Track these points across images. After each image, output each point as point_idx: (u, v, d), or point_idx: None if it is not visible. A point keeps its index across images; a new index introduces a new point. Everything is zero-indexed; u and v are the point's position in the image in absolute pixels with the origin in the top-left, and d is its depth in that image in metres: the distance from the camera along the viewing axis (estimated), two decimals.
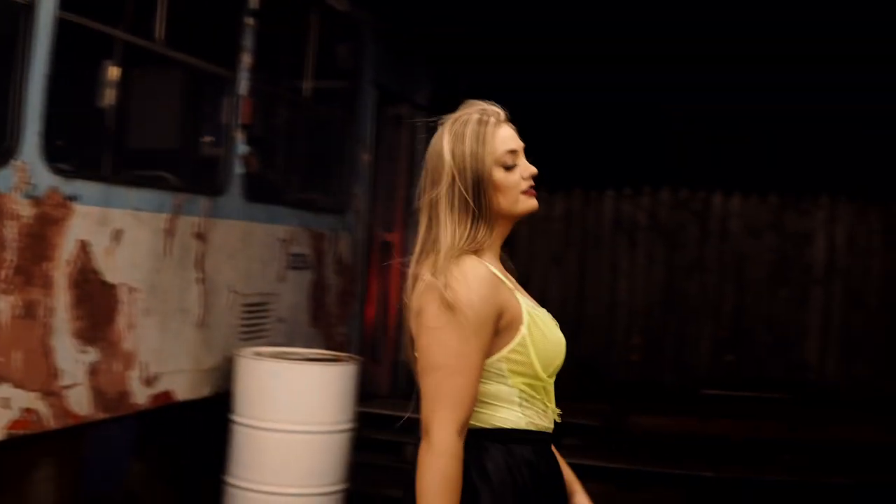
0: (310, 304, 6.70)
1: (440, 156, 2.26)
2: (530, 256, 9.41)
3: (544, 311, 2.31)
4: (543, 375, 2.22)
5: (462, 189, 2.21)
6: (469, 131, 2.24)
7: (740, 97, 8.44)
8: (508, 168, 2.24)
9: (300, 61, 6.67)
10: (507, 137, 2.27)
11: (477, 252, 2.22)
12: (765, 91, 8.37)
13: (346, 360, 5.45)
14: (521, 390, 2.21)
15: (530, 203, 2.29)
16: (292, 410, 5.06)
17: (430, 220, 2.26)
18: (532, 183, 2.28)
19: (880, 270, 8.40)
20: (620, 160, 9.18)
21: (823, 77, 7.70)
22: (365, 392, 7.64)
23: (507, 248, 2.37)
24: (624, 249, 9.32)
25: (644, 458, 6.76)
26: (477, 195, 2.22)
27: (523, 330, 2.18)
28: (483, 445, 2.19)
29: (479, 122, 2.26)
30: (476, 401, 2.16)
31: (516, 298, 2.21)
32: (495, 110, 2.30)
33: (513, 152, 2.26)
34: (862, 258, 8.46)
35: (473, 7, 7.54)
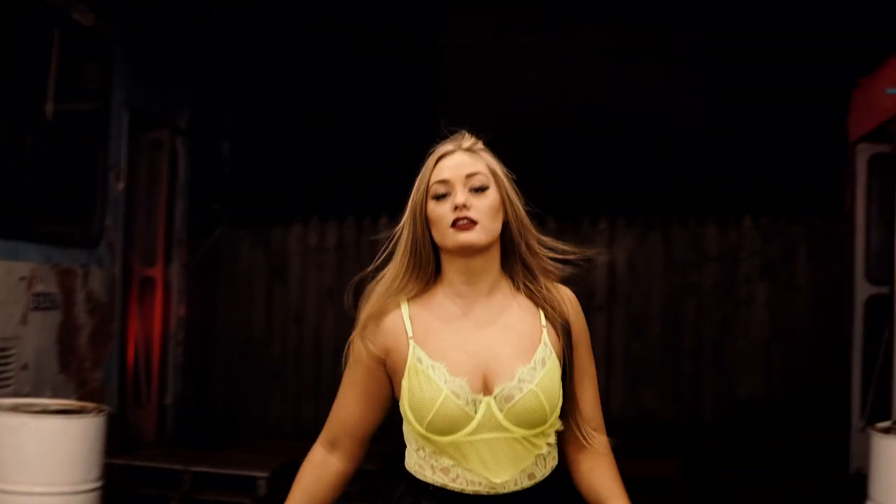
0: (58, 349, 6.10)
1: None
2: (303, 290, 9.01)
3: (443, 365, 2.20)
4: (421, 430, 2.17)
5: (409, 223, 2.25)
6: (425, 164, 2.28)
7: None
8: (439, 198, 2.22)
9: (42, 81, 6.07)
10: (446, 167, 2.24)
11: (427, 286, 2.27)
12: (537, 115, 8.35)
13: (92, 411, 4.84)
14: (416, 439, 2.24)
15: (457, 238, 2.19)
16: (29, 470, 4.44)
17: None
18: (462, 215, 2.18)
19: (661, 296, 8.43)
20: (394, 184, 8.90)
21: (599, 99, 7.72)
22: (128, 441, 7.22)
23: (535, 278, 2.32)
24: None
25: None
26: (414, 229, 2.24)
27: (404, 380, 2.19)
28: (397, 480, 2.32)
29: (432, 152, 2.28)
30: (350, 425, 2.31)
31: (407, 345, 2.21)
32: (457, 139, 2.30)
33: (444, 182, 2.22)
34: (643, 283, 8.48)
35: (235, 25, 7.14)
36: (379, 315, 2.26)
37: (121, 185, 6.96)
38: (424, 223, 2.23)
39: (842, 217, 7.77)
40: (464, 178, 2.21)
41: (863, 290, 7.15)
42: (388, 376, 2.26)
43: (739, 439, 7.83)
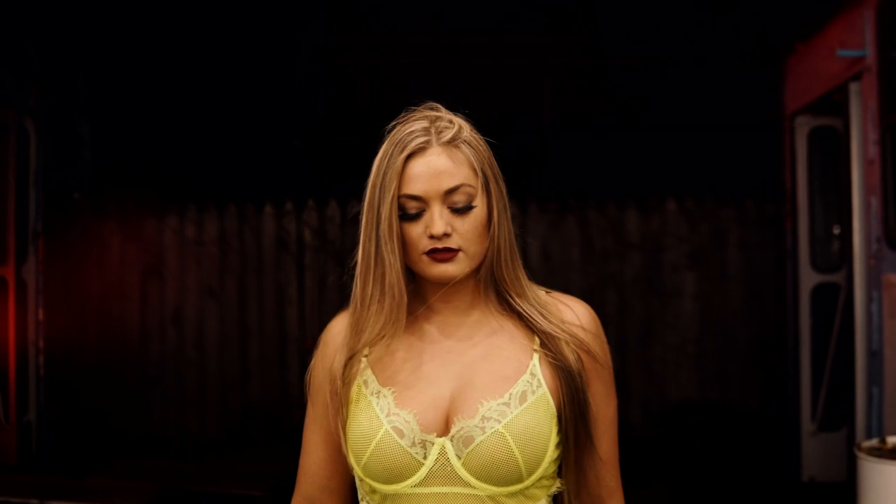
0: None
1: None
2: (182, 288, 8.08)
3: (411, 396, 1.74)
4: (360, 473, 1.75)
5: (366, 228, 1.77)
6: (382, 153, 1.77)
7: None
8: (409, 218, 1.74)
9: None
10: (418, 176, 1.73)
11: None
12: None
13: None
14: (360, 486, 1.81)
15: (433, 271, 1.75)
16: None
17: None
18: (437, 245, 1.72)
19: (578, 288, 7.62)
20: (281, 168, 8.03)
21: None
22: None
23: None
24: (291, 273, 8.17)
25: None
26: (376, 239, 1.75)
27: (351, 407, 1.77)
28: None
29: (394, 141, 1.76)
30: (322, 477, 1.86)
31: (359, 363, 1.78)
32: (429, 123, 1.77)
33: (416, 199, 1.73)
34: (559, 274, 7.69)
35: None
36: (328, 336, 1.86)
37: None
38: (397, 246, 1.73)
39: (776, 198, 7.06)
40: (442, 195, 1.73)
41: (808, 278, 6.45)
42: None
43: (672, 446, 7.13)
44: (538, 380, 1.74)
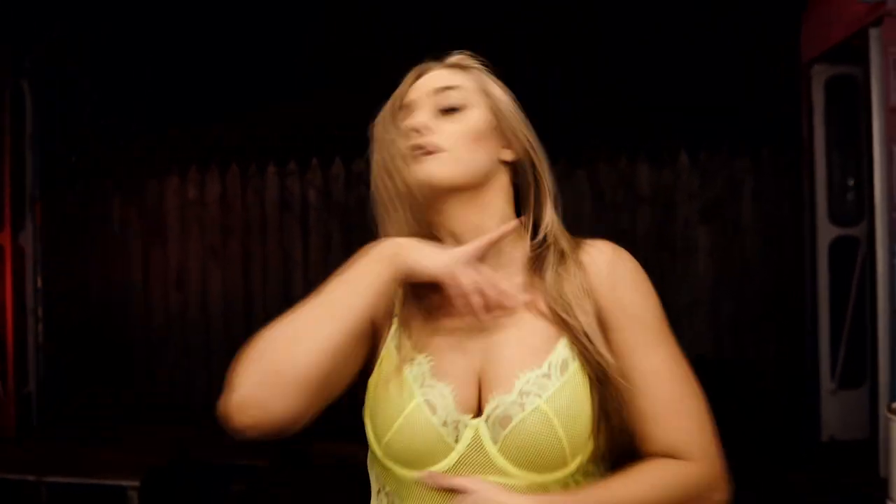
0: None
1: None
2: (184, 252, 7.93)
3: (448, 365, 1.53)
4: (378, 452, 1.52)
5: (379, 168, 1.65)
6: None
7: None
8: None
9: None
10: (415, 86, 1.66)
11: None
12: None
13: None
14: (375, 471, 1.58)
15: (416, 172, 1.58)
16: None
17: None
18: (417, 142, 1.58)
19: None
20: (283, 126, 7.83)
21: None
22: None
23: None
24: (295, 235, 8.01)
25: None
26: (387, 172, 1.62)
27: (374, 372, 1.56)
28: None
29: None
30: None
31: (391, 321, 1.58)
32: (435, 58, 1.70)
33: (406, 106, 1.64)
34: (570, 229, 7.46)
35: None
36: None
37: None
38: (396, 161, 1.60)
39: (793, 147, 6.83)
40: (431, 94, 1.63)
41: (826, 232, 6.26)
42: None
43: None
44: (574, 350, 1.52)
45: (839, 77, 6.25)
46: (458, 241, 1.59)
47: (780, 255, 7.15)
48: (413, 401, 1.49)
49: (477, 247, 1.54)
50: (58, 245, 7.32)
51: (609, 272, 1.58)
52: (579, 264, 1.59)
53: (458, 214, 1.60)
